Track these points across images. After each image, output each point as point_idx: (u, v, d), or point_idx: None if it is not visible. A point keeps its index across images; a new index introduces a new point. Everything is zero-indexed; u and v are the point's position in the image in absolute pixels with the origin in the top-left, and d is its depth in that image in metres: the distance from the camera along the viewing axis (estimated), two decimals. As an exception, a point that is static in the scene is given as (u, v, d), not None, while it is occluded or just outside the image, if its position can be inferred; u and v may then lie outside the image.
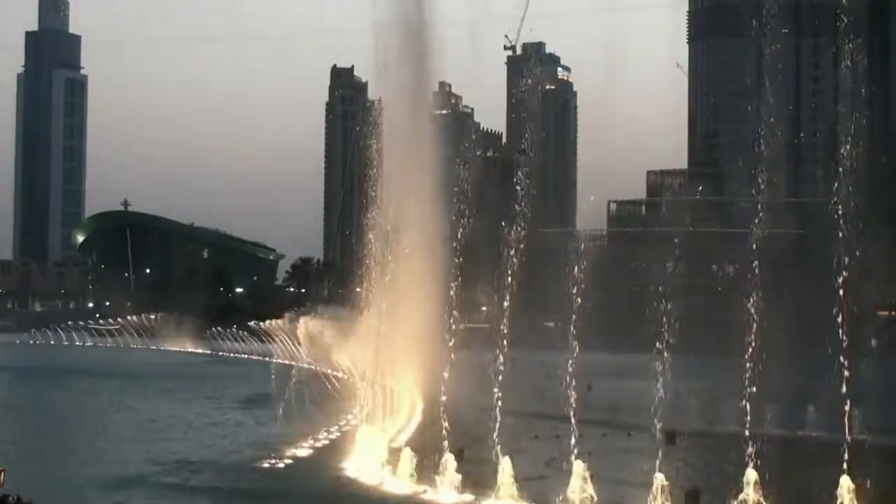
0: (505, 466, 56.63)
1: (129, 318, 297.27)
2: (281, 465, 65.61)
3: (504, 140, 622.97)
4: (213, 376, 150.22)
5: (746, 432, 78.23)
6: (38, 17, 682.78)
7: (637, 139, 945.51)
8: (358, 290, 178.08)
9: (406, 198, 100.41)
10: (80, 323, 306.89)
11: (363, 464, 65.02)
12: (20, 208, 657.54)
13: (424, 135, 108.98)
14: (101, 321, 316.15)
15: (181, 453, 71.58)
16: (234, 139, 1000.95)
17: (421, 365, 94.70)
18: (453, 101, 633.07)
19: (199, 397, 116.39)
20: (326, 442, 74.33)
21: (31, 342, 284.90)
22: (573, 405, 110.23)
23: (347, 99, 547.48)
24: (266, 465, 65.47)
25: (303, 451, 70.19)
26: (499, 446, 74.40)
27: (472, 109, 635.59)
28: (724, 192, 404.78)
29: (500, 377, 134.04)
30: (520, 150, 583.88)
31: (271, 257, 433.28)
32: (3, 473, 38.47)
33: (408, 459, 66.28)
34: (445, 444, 71.63)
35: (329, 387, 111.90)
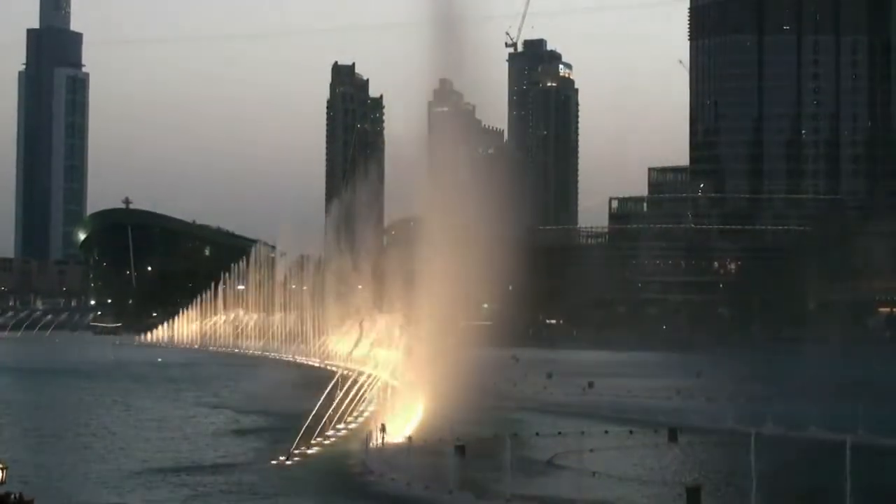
0: (505, 463, 56.65)
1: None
2: (288, 462, 65.69)
3: (505, 137, 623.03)
4: (214, 376, 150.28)
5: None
6: (39, 15, 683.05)
7: (639, 136, 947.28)
8: (360, 287, 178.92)
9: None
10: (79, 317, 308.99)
11: (368, 461, 65.15)
12: (21, 206, 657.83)
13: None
14: (99, 313, 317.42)
15: (182, 452, 71.67)
16: (235, 137, 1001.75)
17: (424, 362, 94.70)
18: (454, 98, 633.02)
19: (203, 395, 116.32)
20: (333, 440, 74.38)
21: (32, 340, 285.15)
22: (575, 402, 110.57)
23: (349, 96, 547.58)
24: (273, 462, 65.55)
25: (311, 449, 70.22)
26: (501, 443, 74.57)
27: (474, 107, 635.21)
28: (725, 189, 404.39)
29: (503, 374, 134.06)
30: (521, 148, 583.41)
31: (272, 255, 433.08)
32: (4, 471, 38.56)
33: (411, 456, 66.46)
34: (448, 440, 71.78)
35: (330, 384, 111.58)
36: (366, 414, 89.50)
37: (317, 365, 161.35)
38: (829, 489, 61.38)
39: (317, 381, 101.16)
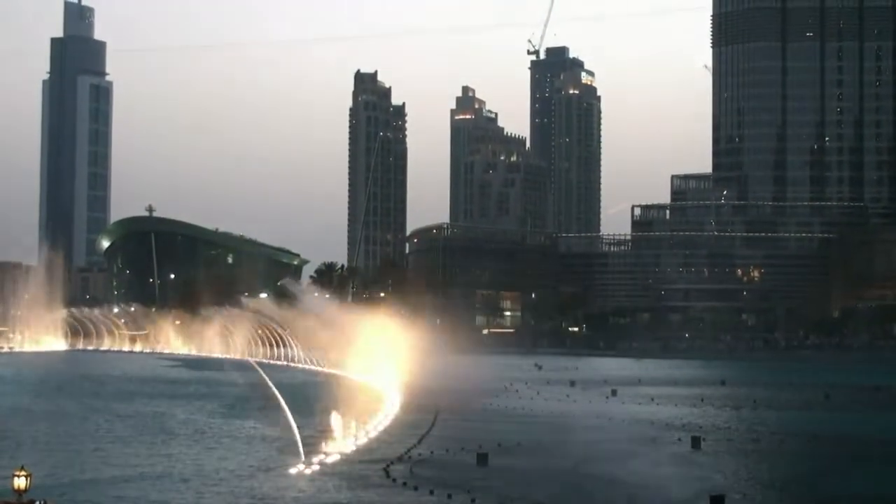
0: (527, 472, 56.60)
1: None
2: (308, 470, 65.62)
3: (528, 145, 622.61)
4: (239, 383, 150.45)
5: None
6: (63, 24, 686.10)
7: (661, 143, 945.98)
8: (382, 294, 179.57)
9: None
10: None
11: (388, 468, 65.11)
12: (45, 214, 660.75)
13: None
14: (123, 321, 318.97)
15: (204, 459, 71.73)
16: (258, 145, 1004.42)
17: (449, 368, 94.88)
18: (477, 105, 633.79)
19: (229, 405, 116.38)
20: (353, 448, 74.32)
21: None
22: (596, 410, 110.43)
23: (371, 104, 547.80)
24: (293, 470, 65.50)
25: (331, 456, 70.17)
26: (525, 450, 74.49)
27: (496, 114, 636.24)
28: (748, 196, 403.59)
29: (525, 381, 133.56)
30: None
31: (295, 262, 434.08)
32: (28, 479, 38.70)
33: (432, 463, 66.43)
34: (472, 448, 71.78)
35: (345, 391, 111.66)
36: (386, 418, 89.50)
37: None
38: (853, 495, 61.11)
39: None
